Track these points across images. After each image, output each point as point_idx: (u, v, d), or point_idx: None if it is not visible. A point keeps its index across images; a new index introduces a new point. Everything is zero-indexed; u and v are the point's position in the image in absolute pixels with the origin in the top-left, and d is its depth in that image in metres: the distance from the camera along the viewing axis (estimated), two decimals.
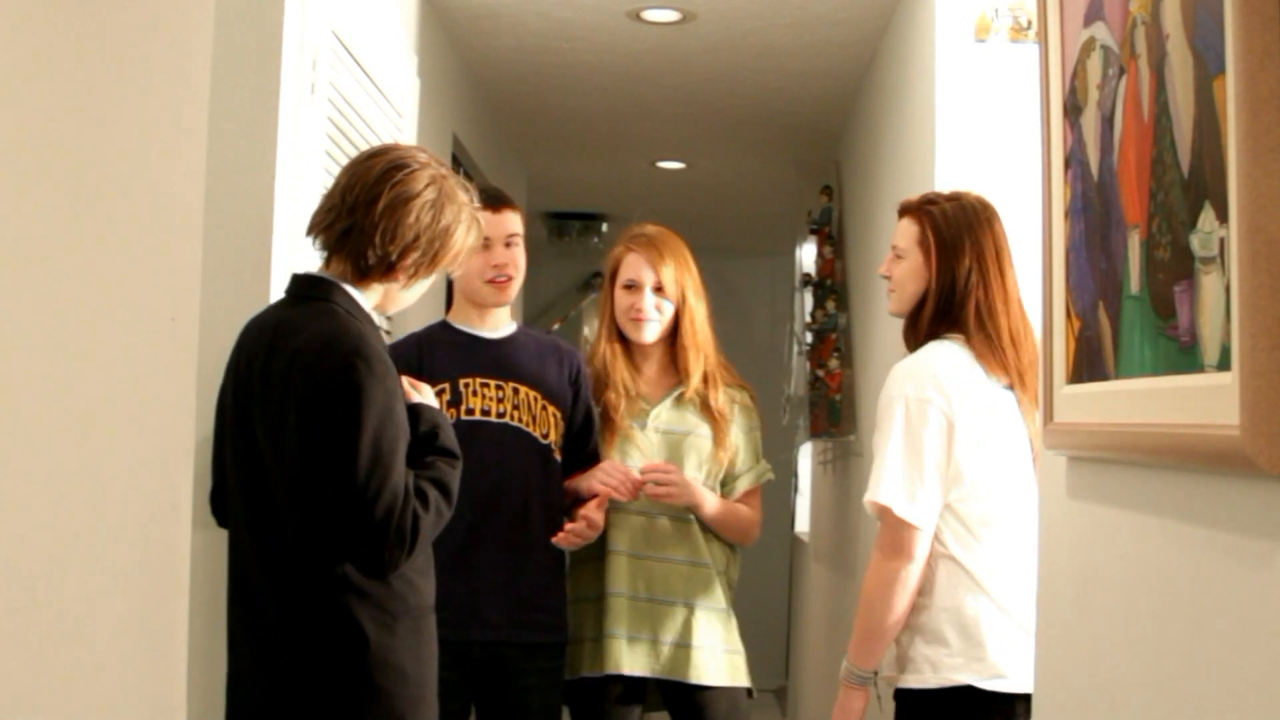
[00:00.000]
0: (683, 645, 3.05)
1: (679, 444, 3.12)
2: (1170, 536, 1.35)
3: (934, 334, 2.50)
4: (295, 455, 2.16)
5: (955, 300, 2.47)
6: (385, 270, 2.27)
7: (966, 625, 2.37)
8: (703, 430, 3.12)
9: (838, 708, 2.52)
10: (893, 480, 2.41)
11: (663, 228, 3.22)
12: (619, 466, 3.00)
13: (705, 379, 3.13)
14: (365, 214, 2.25)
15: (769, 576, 8.18)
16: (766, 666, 8.03)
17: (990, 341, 2.44)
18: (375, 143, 3.12)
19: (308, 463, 2.15)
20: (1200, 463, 1.24)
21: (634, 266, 3.12)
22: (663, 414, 3.12)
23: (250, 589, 2.24)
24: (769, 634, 8.07)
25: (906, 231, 2.56)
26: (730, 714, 3.08)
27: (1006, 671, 2.33)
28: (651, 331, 3.10)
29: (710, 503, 3.09)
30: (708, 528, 3.10)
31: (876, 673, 2.48)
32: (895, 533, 2.42)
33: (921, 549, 2.39)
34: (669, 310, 3.11)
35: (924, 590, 2.42)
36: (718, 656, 3.07)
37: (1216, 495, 1.23)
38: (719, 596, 3.11)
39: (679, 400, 3.12)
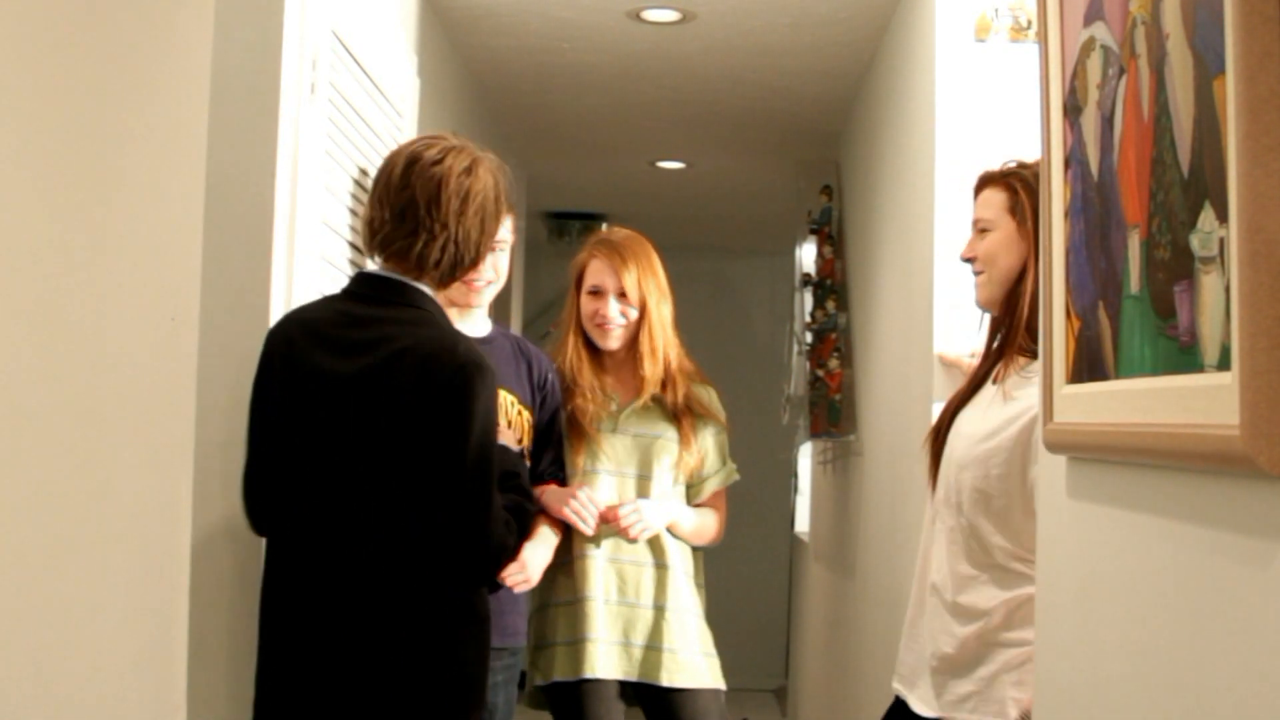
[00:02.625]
0: (654, 648, 3.06)
1: (648, 448, 3.13)
2: (1170, 536, 1.35)
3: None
4: (405, 460, 2.17)
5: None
6: (457, 267, 2.30)
7: None
8: (670, 434, 3.14)
9: None
10: None
11: (631, 231, 3.24)
12: (591, 502, 3.02)
13: (666, 384, 3.14)
14: (437, 219, 2.29)
15: (769, 576, 8.18)
16: (766, 666, 8.03)
17: None
18: (375, 143, 3.13)
19: (418, 470, 2.16)
20: (1200, 463, 1.23)
21: (598, 273, 3.13)
22: (632, 418, 3.13)
23: (330, 592, 2.22)
24: (769, 634, 8.07)
25: (991, 201, 2.27)
26: (704, 716, 3.09)
27: None
28: (616, 338, 3.12)
29: (684, 520, 3.12)
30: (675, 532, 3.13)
31: None
32: None
33: None
34: (633, 315, 3.12)
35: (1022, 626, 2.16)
36: (691, 658, 3.08)
37: (1216, 495, 1.23)
38: (690, 599, 3.12)
39: (646, 405, 3.13)
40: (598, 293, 3.13)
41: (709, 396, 3.23)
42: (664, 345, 3.13)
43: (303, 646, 2.23)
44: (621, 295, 3.11)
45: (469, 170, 2.32)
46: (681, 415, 3.14)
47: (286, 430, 2.25)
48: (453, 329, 2.28)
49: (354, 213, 2.96)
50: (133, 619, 1.70)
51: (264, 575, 2.31)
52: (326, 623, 2.22)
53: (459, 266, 2.31)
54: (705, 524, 3.19)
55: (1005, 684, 2.20)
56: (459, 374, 2.16)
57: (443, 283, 2.33)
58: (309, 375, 2.23)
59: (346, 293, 2.34)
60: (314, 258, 2.62)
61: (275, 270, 2.48)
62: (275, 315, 2.45)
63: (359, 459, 2.18)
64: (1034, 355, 2.17)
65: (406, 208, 2.28)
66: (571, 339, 3.16)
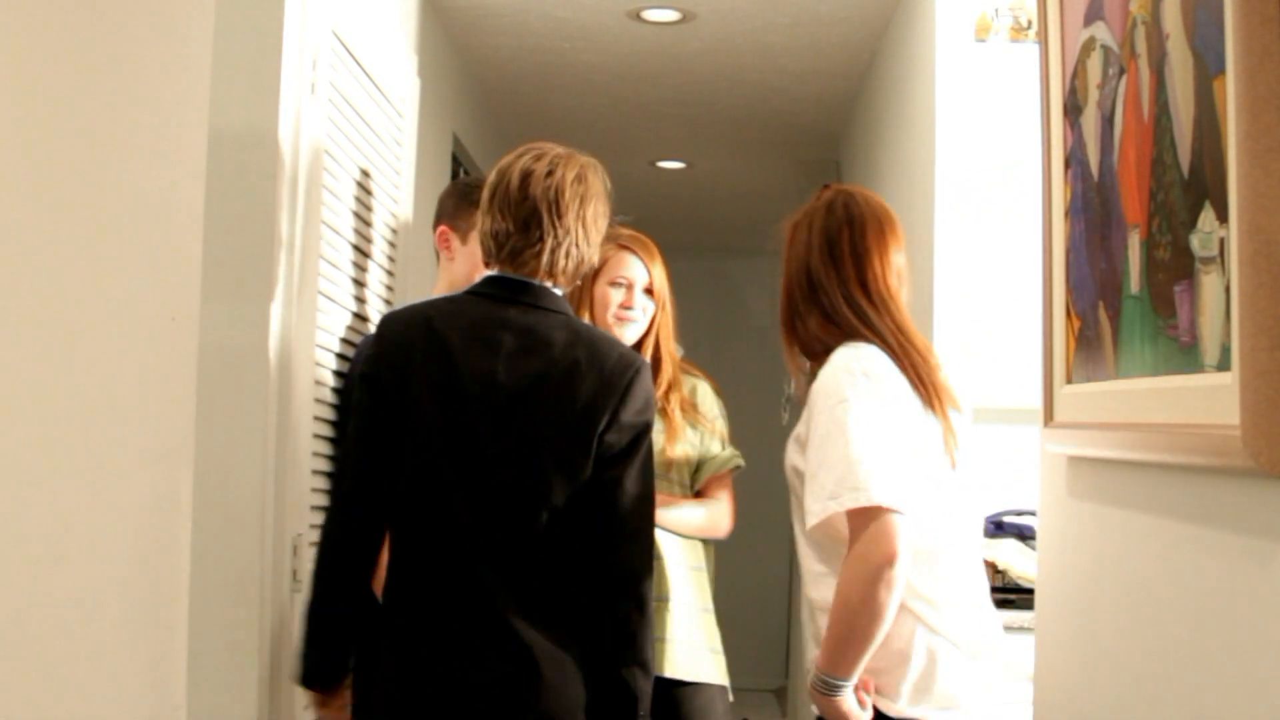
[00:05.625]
0: (657, 640, 3.05)
1: None
2: (1170, 536, 1.35)
3: (824, 344, 2.29)
4: (591, 458, 2.25)
5: (810, 293, 2.29)
6: (581, 266, 2.40)
7: (917, 658, 2.10)
8: (657, 427, 3.13)
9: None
10: (870, 474, 2.03)
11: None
12: None
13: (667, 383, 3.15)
14: (559, 221, 2.38)
15: (769, 576, 8.17)
16: (766, 666, 8.03)
17: (890, 344, 2.17)
18: (375, 142, 3.13)
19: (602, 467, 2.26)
20: (1200, 463, 1.23)
21: (626, 264, 3.13)
22: None
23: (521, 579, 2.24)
24: (769, 634, 8.06)
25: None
26: (706, 710, 3.08)
27: (961, 703, 2.08)
28: (635, 331, 3.12)
29: (669, 516, 3.10)
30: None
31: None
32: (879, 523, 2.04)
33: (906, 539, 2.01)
34: (651, 311, 3.12)
35: None
36: (695, 652, 3.07)
37: (1216, 495, 1.23)
38: (695, 593, 3.11)
39: None
40: (623, 284, 3.13)
41: (704, 390, 3.23)
42: (674, 346, 3.15)
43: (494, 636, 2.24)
44: (648, 290, 3.12)
45: (580, 177, 2.46)
46: (670, 412, 3.14)
47: (440, 430, 2.24)
48: (598, 329, 2.40)
49: (355, 214, 2.96)
50: (133, 619, 1.70)
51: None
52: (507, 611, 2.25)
53: (583, 265, 2.41)
54: (714, 516, 3.16)
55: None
56: (626, 372, 2.29)
57: (569, 285, 2.42)
58: (471, 377, 2.25)
59: (481, 295, 2.34)
60: (314, 258, 2.62)
61: (275, 270, 2.48)
62: (275, 315, 2.45)
63: (528, 462, 2.24)
64: (814, 355, 2.35)
65: (530, 218, 2.35)
66: None
